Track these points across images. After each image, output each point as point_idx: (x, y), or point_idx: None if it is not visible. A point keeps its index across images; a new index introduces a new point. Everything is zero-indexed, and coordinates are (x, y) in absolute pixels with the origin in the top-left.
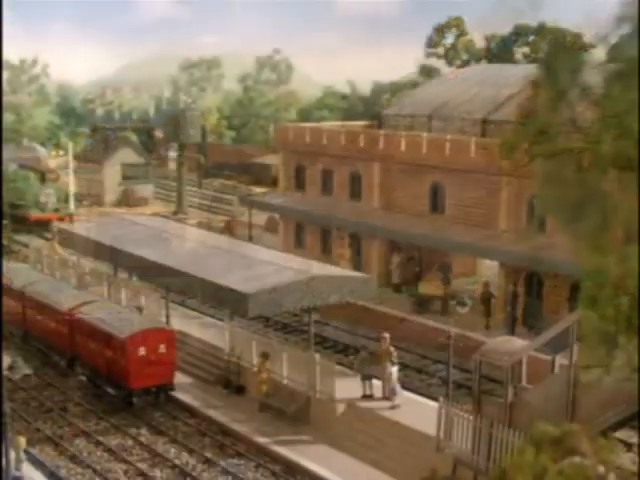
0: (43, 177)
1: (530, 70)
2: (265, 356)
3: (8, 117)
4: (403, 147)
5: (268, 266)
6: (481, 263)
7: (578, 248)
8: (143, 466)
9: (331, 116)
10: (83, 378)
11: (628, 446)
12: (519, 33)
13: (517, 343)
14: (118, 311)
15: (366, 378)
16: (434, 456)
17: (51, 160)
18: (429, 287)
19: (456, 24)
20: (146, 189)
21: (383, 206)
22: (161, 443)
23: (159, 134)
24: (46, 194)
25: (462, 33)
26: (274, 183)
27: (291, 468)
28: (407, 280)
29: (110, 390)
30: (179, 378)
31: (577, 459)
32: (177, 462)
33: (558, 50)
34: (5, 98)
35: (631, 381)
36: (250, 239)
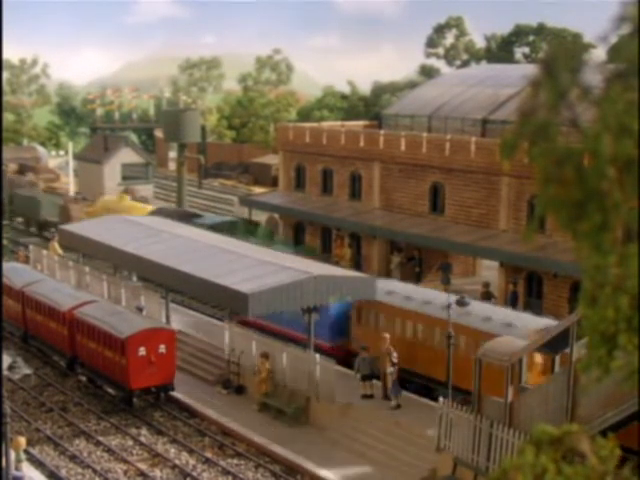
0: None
1: (530, 70)
2: (265, 356)
3: (8, 117)
4: (403, 147)
5: (268, 266)
6: (481, 263)
7: (578, 248)
8: (143, 466)
9: (331, 116)
10: (83, 378)
11: None
12: (519, 33)
13: (517, 343)
14: (118, 311)
15: (366, 378)
16: (434, 456)
17: (51, 160)
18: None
19: (456, 24)
20: (146, 189)
21: (383, 206)
22: (161, 443)
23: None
24: None
25: (462, 33)
26: (274, 183)
27: (291, 468)
28: (407, 280)
29: (110, 390)
30: (179, 378)
31: (577, 459)
32: (177, 462)
33: (558, 50)
34: (5, 98)
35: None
36: None
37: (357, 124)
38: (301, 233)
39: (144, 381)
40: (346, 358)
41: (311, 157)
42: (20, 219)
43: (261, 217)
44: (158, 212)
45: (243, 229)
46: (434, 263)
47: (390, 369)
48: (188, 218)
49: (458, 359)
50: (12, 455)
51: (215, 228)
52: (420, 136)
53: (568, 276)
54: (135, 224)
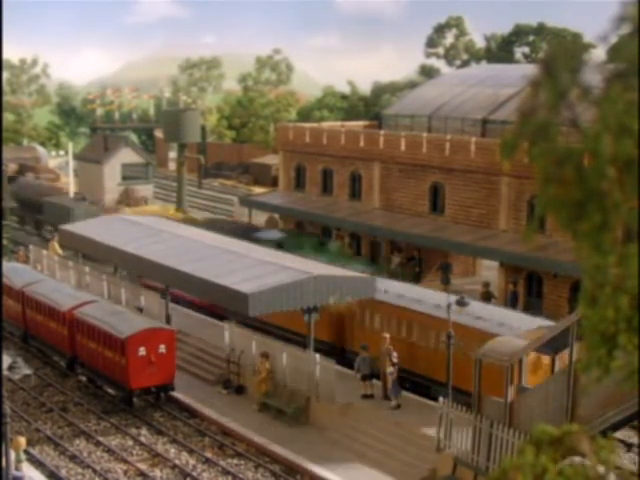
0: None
1: (530, 70)
2: (265, 356)
3: (8, 117)
4: (403, 147)
5: (268, 266)
6: (481, 263)
7: (578, 248)
8: (143, 466)
9: (331, 116)
10: (83, 378)
11: (628, 446)
12: (519, 33)
13: (517, 343)
14: (118, 311)
15: (366, 378)
16: (434, 456)
17: (51, 160)
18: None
19: (456, 24)
20: (146, 189)
21: (383, 206)
22: (161, 443)
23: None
24: None
25: (462, 33)
26: (274, 183)
27: (291, 468)
28: (407, 280)
29: (110, 390)
30: (179, 378)
31: (577, 459)
32: (177, 462)
33: (558, 50)
34: (5, 98)
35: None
36: None
37: (357, 124)
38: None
39: (144, 381)
40: (215, 312)
41: (311, 157)
42: (50, 227)
43: (261, 217)
44: (210, 225)
45: (311, 245)
46: (434, 263)
47: (390, 369)
48: (246, 232)
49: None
50: (12, 455)
51: (280, 245)
52: (420, 136)
53: (568, 276)
54: (135, 224)
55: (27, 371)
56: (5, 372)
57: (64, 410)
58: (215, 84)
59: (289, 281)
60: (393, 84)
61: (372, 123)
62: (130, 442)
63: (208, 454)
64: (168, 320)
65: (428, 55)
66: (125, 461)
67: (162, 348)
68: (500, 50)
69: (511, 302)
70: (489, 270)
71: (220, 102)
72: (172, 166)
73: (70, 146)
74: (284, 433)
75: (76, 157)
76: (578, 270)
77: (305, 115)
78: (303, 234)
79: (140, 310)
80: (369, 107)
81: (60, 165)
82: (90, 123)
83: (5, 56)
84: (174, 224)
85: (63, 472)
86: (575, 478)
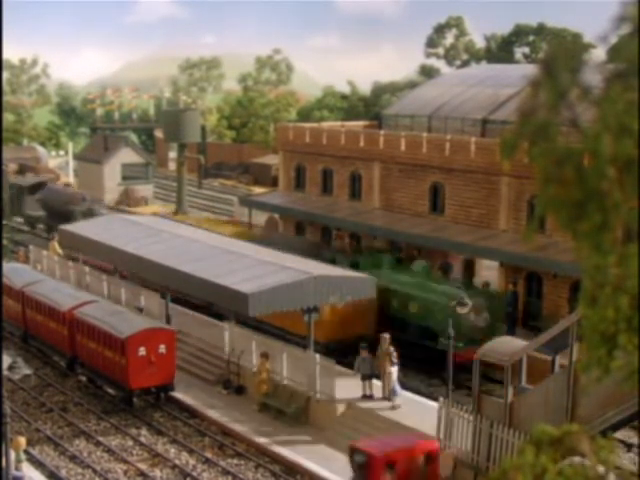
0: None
1: (530, 70)
2: (265, 356)
3: (8, 117)
4: (403, 147)
5: (268, 266)
6: (481, 263)
7: (578, 248)
8: (143, 466)
9: (331, 116)
10: (83, 378)
11: (628, 446)
12: (519, 33)
13: (517, 343)
14: (118, 311)
15: (366, 378)
16: None
17: (51, 160)
18: None
19: (456, 24)
20: (146, 189)
21: (383, 206)
22: (161, 443)
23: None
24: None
25: (462, 33)
26: (274, 183)
27: (291, 468)
28: None
29: (110, 390)
30: (179, 378)
31: (577, 459)
32: (177, 462)
33: (558, 50)
34: (5, 98)
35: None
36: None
37: (357, 124)
38: (301, 233)
39: (144, 381)
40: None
41: (311, 157)
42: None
43: (261, 217)
44: (269, 241)
45: (389, 264)
46: (434, 263)
47: (390, 369)
48: (315, 250)
49: None
50: (12, 455)
51: (355, 265)
52: (420, 136)
53: (568, 276)
54: (135, 224)
55: (27, 371)
56: (5, 372)
57: (64, 410)
58: (215, 84)
59: (289, 281)
60: (393, 84)
61: (372, 123)
62: (130, 442)
63: (208, 454)
64: (168, 320)
65: (428, 55)
66: (125, 461)
67: (162, 348)
68: (500, 50)
69: (511, 302)
70: (489, 270)
71: (220, 102)
72: (172, 166)
73: (70, 146)
74: (284, 433)
75: (76, 157)
76: (578, 270)
77: (305, 115)
78: (380, 250)
79: (140, 310)
80: (369, 107)
81: (60, 165)
82: (90, 123)
83: (5, 56)
84: (174, 224)
85: (63, 472)
86: (575, 478)
